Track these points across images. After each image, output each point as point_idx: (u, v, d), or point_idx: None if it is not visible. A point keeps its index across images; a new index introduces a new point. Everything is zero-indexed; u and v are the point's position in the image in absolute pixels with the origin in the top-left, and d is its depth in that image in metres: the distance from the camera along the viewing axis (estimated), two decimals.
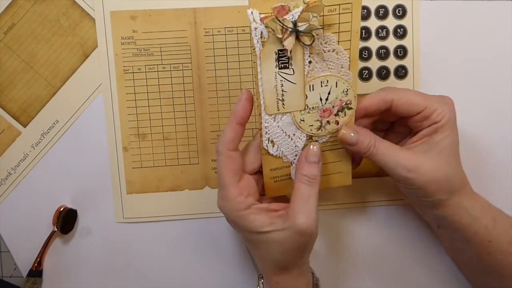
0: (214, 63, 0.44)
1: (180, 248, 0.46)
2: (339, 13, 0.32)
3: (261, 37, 0.32)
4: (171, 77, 0.44)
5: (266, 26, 0.31)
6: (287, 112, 0.35)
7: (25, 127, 0.45)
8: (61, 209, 0.45)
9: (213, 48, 0.44)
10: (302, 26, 0.31)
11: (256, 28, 0.31)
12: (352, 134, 0.36)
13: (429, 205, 0.38)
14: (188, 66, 0.44)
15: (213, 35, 0.44)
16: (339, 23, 0.33)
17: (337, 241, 0.46)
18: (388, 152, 0.36)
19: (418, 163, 0.35)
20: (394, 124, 0.41)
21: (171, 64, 0.44)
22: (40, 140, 0.46)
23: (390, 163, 0.36)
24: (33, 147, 0.46)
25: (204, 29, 0.44)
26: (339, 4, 0.32)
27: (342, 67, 0.34)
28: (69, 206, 0.46)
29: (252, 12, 0.31)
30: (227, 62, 0.44)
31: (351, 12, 0.32)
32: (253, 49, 0.32)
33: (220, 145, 0.35)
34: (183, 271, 0.47)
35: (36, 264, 0.45)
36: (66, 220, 0.46)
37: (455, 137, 0.37)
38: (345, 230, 0.46)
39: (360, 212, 0.46)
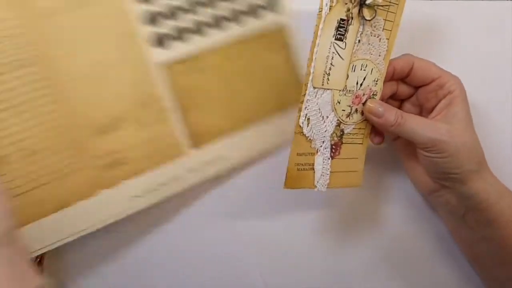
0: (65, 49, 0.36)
1: (181, 247, 0.46)
2: (390, 2, 0.35)
3: (330, 1, 0.32)
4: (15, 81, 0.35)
5: None
6: (328, 89, 0.35)
7: None
8: None
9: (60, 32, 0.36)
10: (368, 0, 0.33)
11: None
12: (378, 106, 0.37)
13: (458, 180, 0.38)
14: (31, 61, 0.35)
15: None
16: (387, 11, 0.35)
17: (342, 241, 0.46)
18: (416, 120, 0.37)
19: (447, 128, 0.37)
20: (403, 105, 0.42)
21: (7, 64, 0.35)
22: None
23: (420, 130, 0.36)
24: None
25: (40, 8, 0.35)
26: None
27: (379, 55, 0.36)
28: None
29: None
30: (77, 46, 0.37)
31: (398, 4, 0.35)
32: (319, 11, 0.32)
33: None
34: (183, 270, 0.46)
35: (36, 264, 0.45)
36: None
37: (469, 110, 0.39)
38: (347, 224, 0.46)
39: (367, 212, 0.46)
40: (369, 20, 0.33)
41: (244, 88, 0.42)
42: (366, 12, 0.33)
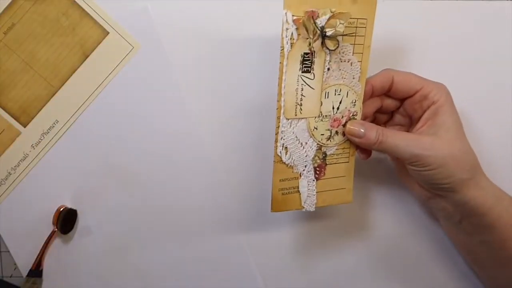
0: None
1: (181, 248, 0.47)
2: (356, 26, 0.35)
3: (290, 39, 0.33)
4: None
5: (301, 26, 0.33)
6: (303, 118, 0.36)
7: (25, 127, 0.45)
8: (61, 209, 0.45)
9: None
10: (329, 31, 0.33)
11: (287, 29, 0.33)
12: (358, 128, 0.37)
13: (450, 190, 0.37)
14: None
15: None
16: (355, 35, 0.35)
17: (343, 240, 0.46)
18: (397, 136, 0.37)
19: (431, 141, 0.36)
20: (394, 116, 0.42)
21: None
22: (40, 140, 0.46)
23: (402, 147, 0.36)
24: (33, 147, 0.46)
25: None
26: (357, 18, 0.34)
27: (353, 78, 0.36)
28: (69, 206, 0.46)
29: (286, 13, 0.32)
30: None
31: (366, 27, 0.35)
32: (281, 50, 0.33)
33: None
34: (184, 271, 0.47)
35: (36, 264, 0.45)
36: (66, 220, 0.46)
37: (457, 117, 0.38)
38: (347, 227, 0.46)
39: (364, 208, 0.46)
40: (334, 50, 0.34)
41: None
42: (329, 43, 0.34)
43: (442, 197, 0.39)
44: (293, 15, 0.33)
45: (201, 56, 0.44)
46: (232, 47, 0.44)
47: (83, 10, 0.44)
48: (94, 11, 0.44)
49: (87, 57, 0.45)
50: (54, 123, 0.45)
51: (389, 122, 0.42)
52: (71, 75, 0.45)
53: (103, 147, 0.46)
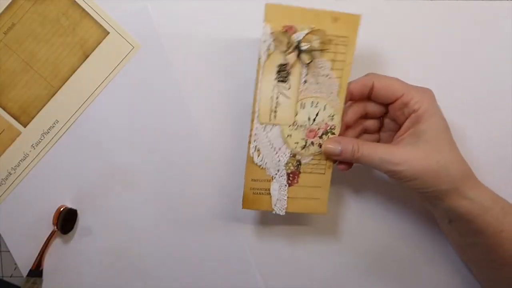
0: None
1: (181, 248, 0.47)
2: (336, 44, 0.36)
3: (267, 50, 0.36)
4: None
5: (275, 38, 0.35)
6: (277, 125, 0.38)
7: (25, 127, 0.45)
8: (61, 209, 0.45)
9: None
10: (304, 46, 0.35)
11: (265, 41, 0.36)
12: (335, 146, 0.38)
13: (434, 197, 0.37)
14: None
15: None
16: (335, 52, 0.37)
17: (339, 238, 0.46)
18: (372, 151, 0.36)
19: (405, 154, 0.36)
20: (384, 123, 0.41)
21: None
22: (40, 140, 0.46)
23: (376, 161, 0.36)
24: (33, 147, 0.46)
25: None
26: (337, 36, 0.36)
27: (331, 93, 0.38)
28: (69, 206, 0.46)
29: (265, 26, 0.35)
30: None
31: (347, 45, 0.37)
32: (258, 59, 0.36)
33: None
34: (184, 271, 0.47)
35: (36, 264, 0.45)
36: (66, 220, 0.46)
37: (441, 125, 0.37)
38: (347, 227, 0.46)
39: (361, 208, 0.46)
40: (308, 64, 0.36)
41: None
42: (304, 57, 0.36)
43: (428, 201, 0.39)
44: (271, 28, 0.35)
45: (201, 56, 0.44)
46: (233, 47, 0.44)
47: (83, 10, 0.44)
48: (94, 11, 0.44)
49: (87, 57, 0.45)
50: (54, 123, 0.45)
51: (382, 129, 0.42)
52: (71, 75, 0.45)
53: (103, 147, 0.46)
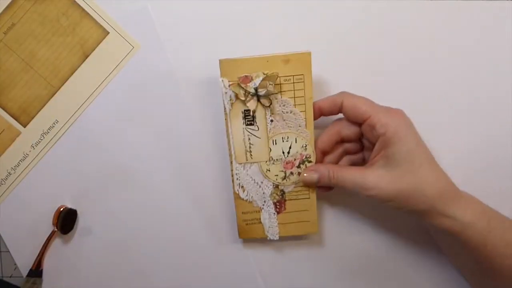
0: None
1: (181, 248, 0.47)
2: (293, 82, 0.39)
3: (230, 100, 0.39)
4: None
5: (233, 90, 0.38)
6: (255, 162, 0.41)
7: (25, 127, 0.45)
8: (61, 209, 0.45)
9: None
10: (262, 92, 0.38)
11: (226, 93, 0.39)
12: (311, 175, 0.39)
13: (414, 215, 0.37)
14: None
15: None
16: (294, 90, 0.39)
17: (333, 243, 0.46)
18: (346, 177, 0.38)
19: (376, 178, 0.36)
20: (363, 143, 0.41)
21: None
22: (40, 140, 0.46)
23: (349, 186, 0.37)
24: (33, 147, 0.46)
25: None
26: (293, 75, 0.39)
27: (299, 126, 0.40)
28: (69, 206, 0.46)
29: (222, 80, 0.39)
30: None
31: (304, 82, 0.39)
32: (224, 109, 0.39)
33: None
34: (184, 271, 0.47)
35: (36, 264, 0.45)
36: (66, 220, 0.46)
37: (412, 145, 0.36)
38: (342, 231, 0.46)
39: (356, 215, 0.46)
40: (269, 106, 0.39)
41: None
42: (264, 101, 0.39)
43: (412, 216, 0.39)
44: (229, 81, 0.38)
45: (201, 56, 0.44)
46: (233, 47, 0.44)
47: (83, 10, 0.44)
48: (94, 11, 0.44)
49: (87, 57, 0.45)
50: (54, 123, 0.45)
51: (364, 148, 0.42)
52: (71, 75, 0.45)
53: (103, 147, 0.46)
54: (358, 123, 0.39)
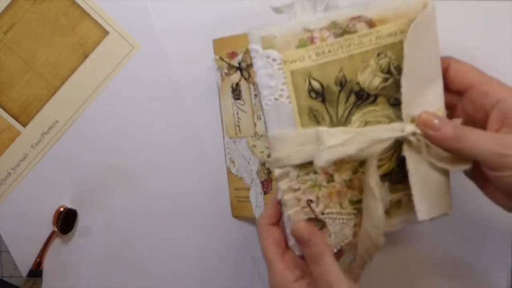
0: None
1: (181, 248, 0.47)
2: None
3: (220, 75, 0.41)
4: None
5: (222, 65, 0.40)
6: (243, 137, 0.41)
7: (25, 127, 0.45)
8: (61, 209, 0.45)
9: None
10: (243, 64, 0.40)
11: (217, 69, 0.41)
12: (433, 118, 0.30)
13: None
14: None
15: None
16: None
17: None
18: (478, 133, 0.30)
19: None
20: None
21: None
22: (40, 140, 0.46)
23: (483, 144, 0.30)
24: (33, 147, 0.46)
25: None
26: None
27: None
28: (69, 206, 0.46)
29: (214, 57, 0.41)
30: None
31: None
32: (217, 84, 0.41)
33: (260, 219, 0.34)
34: (183, 271, 0.47)
35: (36, 264, 0.45)
36: (66, 220, 0.46)
37: None
38: None
39: None
40: (248, 79, 0.40)
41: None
42: (245, 74, 0.40)
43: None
44: (220, 57, 0.41)
45: (201, 56, 0.44)
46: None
47: (83, 10, 0.44)
48: (94, 11, 0.44)
49: (87, 57, 0.45)
50: (54, 123, 0.45)
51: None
52: (71, 75, 0.45)
53: (103, 147, 0.46)
54: (459, 91, 0.33)
